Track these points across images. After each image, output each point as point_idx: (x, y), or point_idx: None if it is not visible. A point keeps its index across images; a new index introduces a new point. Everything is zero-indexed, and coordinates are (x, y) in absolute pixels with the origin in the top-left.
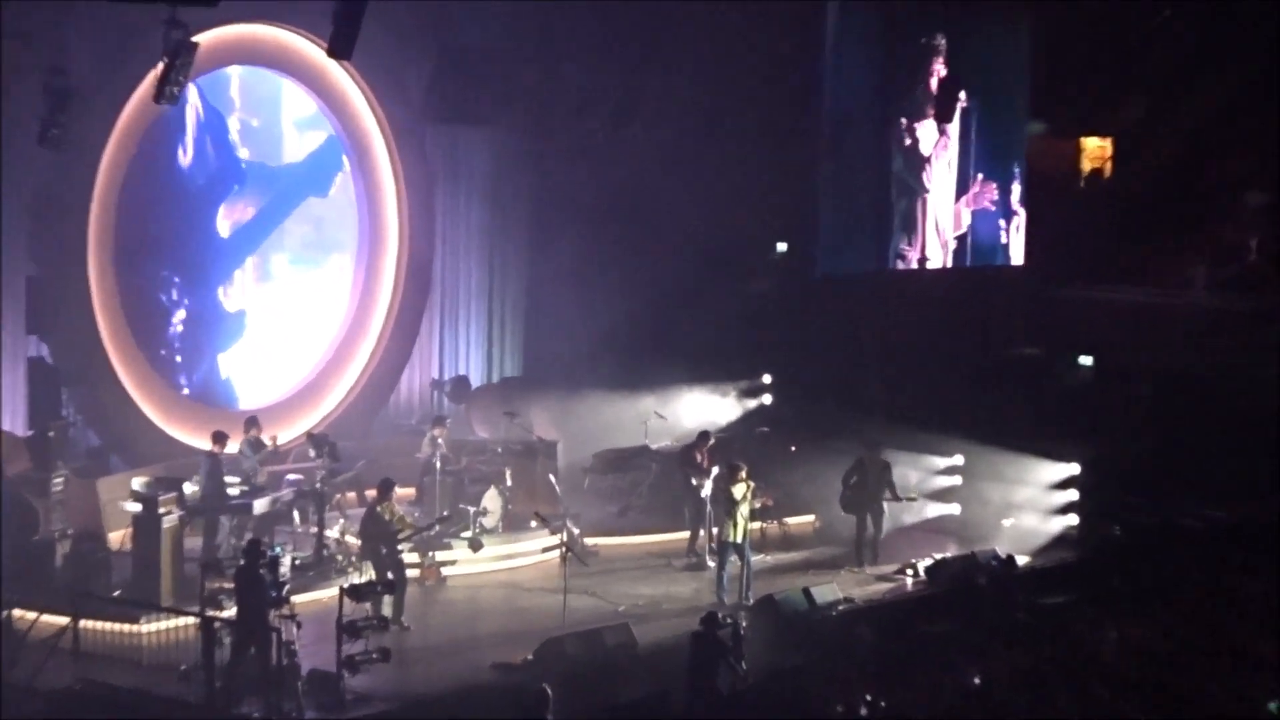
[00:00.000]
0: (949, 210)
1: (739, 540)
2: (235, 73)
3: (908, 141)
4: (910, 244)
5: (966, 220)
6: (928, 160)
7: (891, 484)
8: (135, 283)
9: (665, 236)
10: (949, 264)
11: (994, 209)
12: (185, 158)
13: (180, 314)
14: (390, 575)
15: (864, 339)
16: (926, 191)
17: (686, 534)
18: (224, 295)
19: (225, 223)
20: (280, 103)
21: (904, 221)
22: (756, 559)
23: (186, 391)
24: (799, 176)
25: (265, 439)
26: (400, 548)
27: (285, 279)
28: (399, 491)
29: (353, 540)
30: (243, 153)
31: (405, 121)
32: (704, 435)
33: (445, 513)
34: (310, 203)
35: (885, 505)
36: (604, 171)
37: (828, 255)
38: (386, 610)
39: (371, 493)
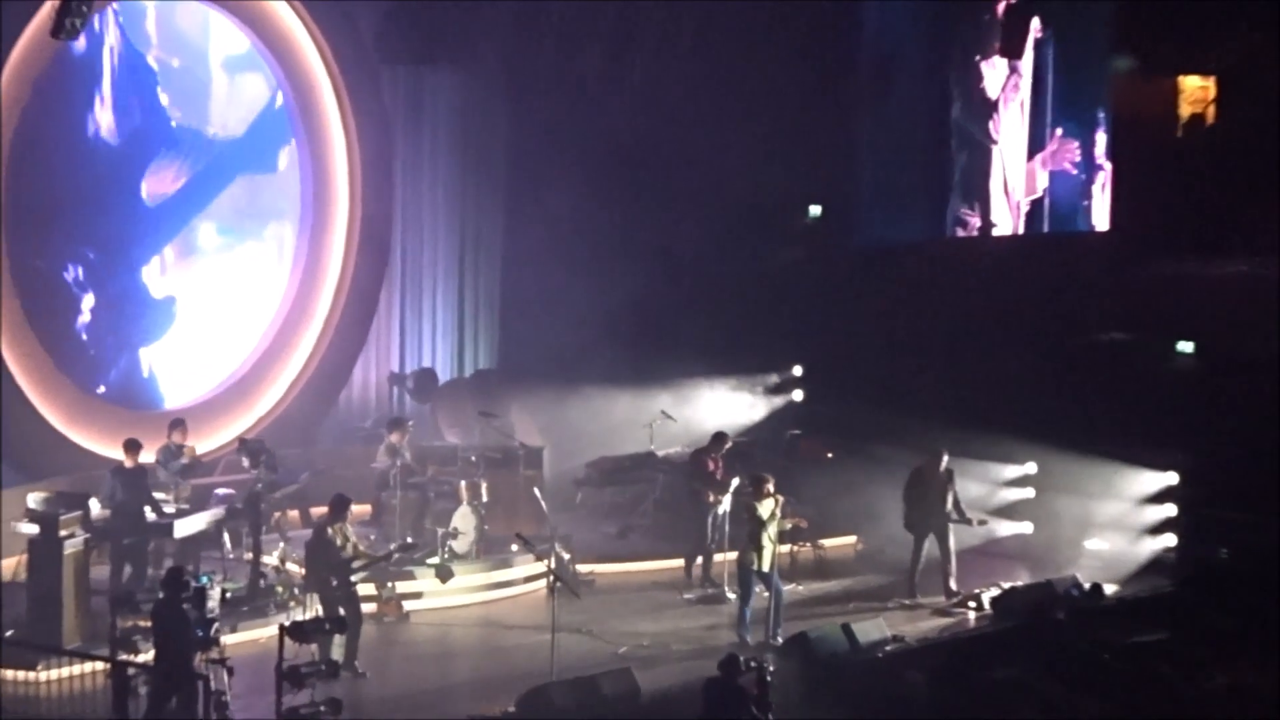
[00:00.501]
0: (1020, 166)
1: (765, 567)
2: (151, 4)
3: (970, 83)
4: (973, 207)
5: (1043, 181)
6: (995, 105)
7: (956, 499)
8: (32, 262)
9: (673, 199)
10: (1020, 230)
11: (1075, 171)
12: (102, 110)
13: (90, 299)
14: (341, 611)
15: (916, 322)
16: (994, 143)
17: (697, 559)
18: (148, 278)
19: (149, 192)
20: (208, 39)
21: (965, 180)
22: (786, 589)
23: (102, 390)
24: (835, 125)
25: (184, 446)
26: (354, 578)
27: (213, 252)
28: (352, 509)
29: (295, 568)
30: (163, 98)
31: (356, 61)
32: (719, 438)
33: (408, 538)
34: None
35: (950, 528)
36: (598, 121)
37: (871, 221)
38: (337, 653)
39: (319, 511)
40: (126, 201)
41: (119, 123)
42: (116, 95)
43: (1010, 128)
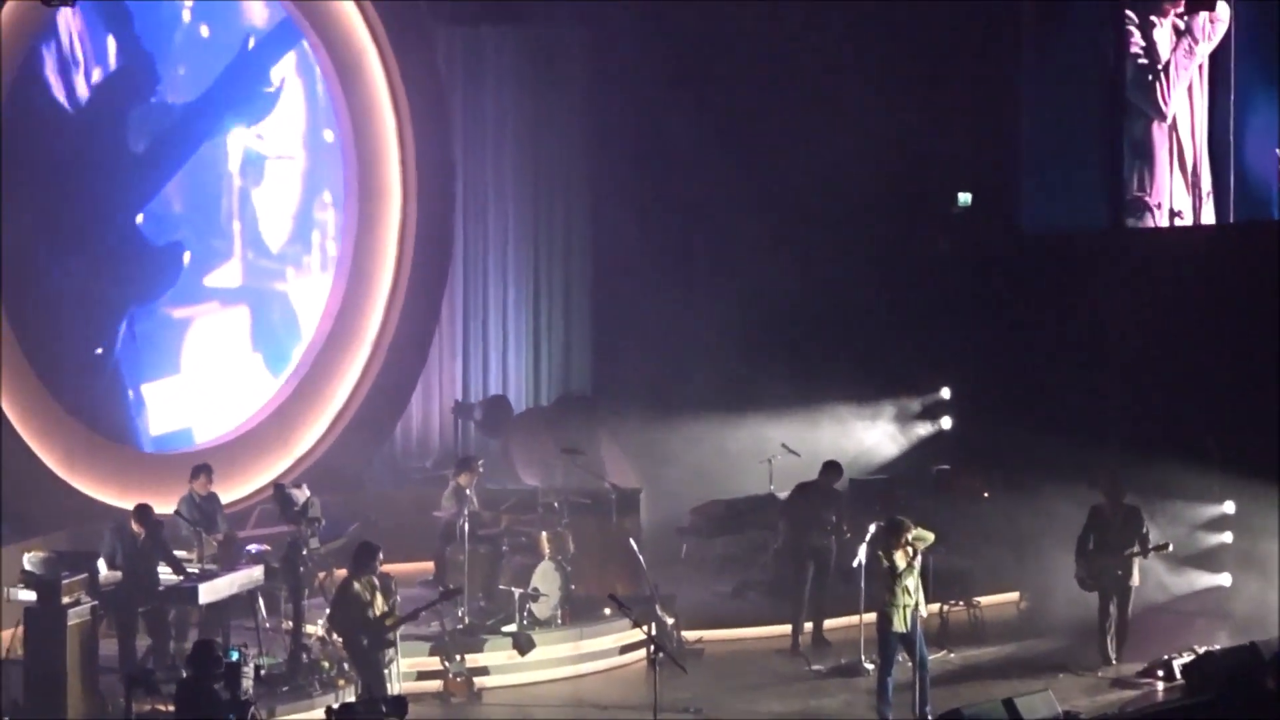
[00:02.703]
0: (1200, 145)
1: (906, 628)
2: None
3: (1137, 43)
4: (1145, 190)
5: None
6: (1164, 70)
7: (1144, 538)
8: (23, 269)
9: (794, 189)
10: (1203, 217)
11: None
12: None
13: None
14: (396, 688)
15: (1089, 333)
16: (1162, 116)
17: (834, 622)
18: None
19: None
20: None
21: (1134, 158)
22: (936, 656)
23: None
24: (989, 92)
25: (208, 495)
26: (388, 647)
27: (236, 261)
28: (410, 566)
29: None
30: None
31: (409, 22)
32: (830, 469)
33: (449, 585)
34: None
35: (1134, 571)
36: (702, 94)
37: (1033, 211)
38: None
39: None
40: (113, 153)
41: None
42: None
43: (1183, 99)
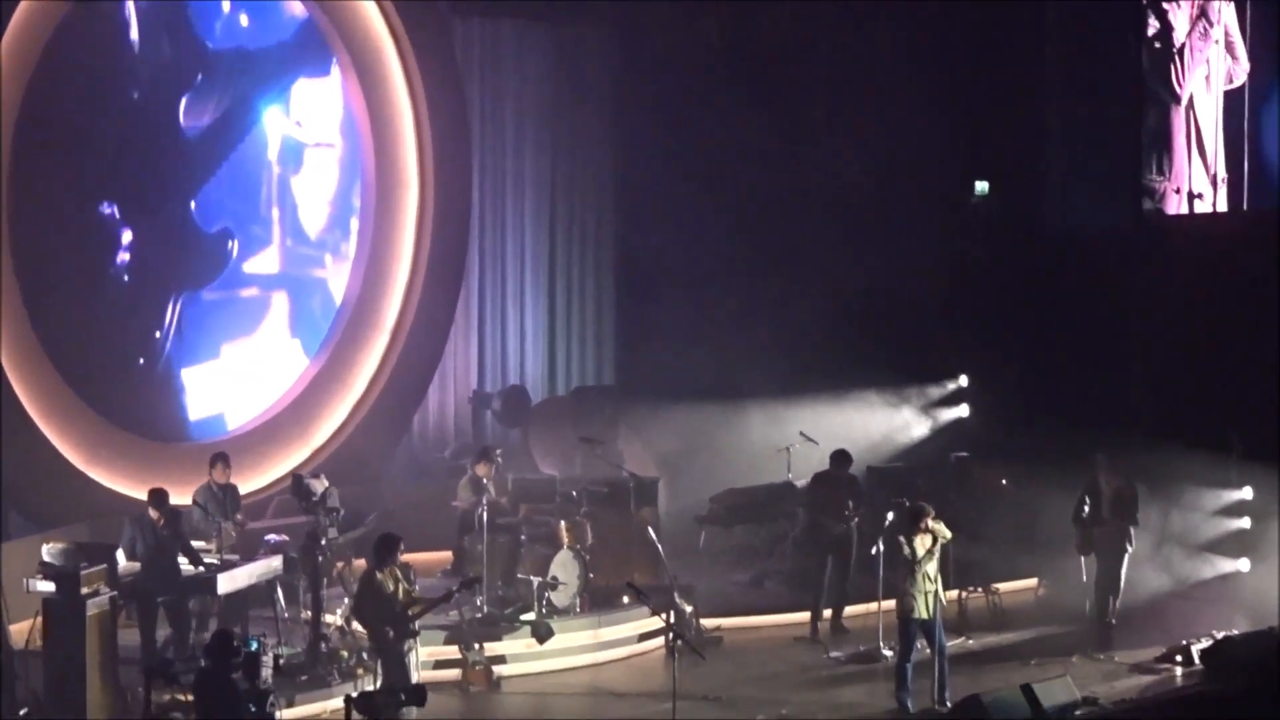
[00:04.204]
0: (1216, 130)
1: (926, 615)
2: None
3: (1152, 25)
4: (1165, 173)
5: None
6: (1179, 53)
7: (1134, 517)
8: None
9: (817, 179)
10: (1220, 204)
11: None
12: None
13: (128, 236)
14: (416, 676)
15: (1108, 321)
16: (1176, 100)
17: (853, 609)
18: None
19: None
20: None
21: (1152, 144)
22: (955, 643)
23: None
24: (1012, 90)
25: (226, 485)
26: (412, 636)
27: (253, 250)
28: (429, 556)
29: (363, 629)
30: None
31: (427, 13)
32: (840, 458)
33: (469, 573)
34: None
35: (1128, 547)
36: (729, 81)
37: (1052, 198)
38: None
39: None
40: (163, 136)
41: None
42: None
43: (1199, 83)
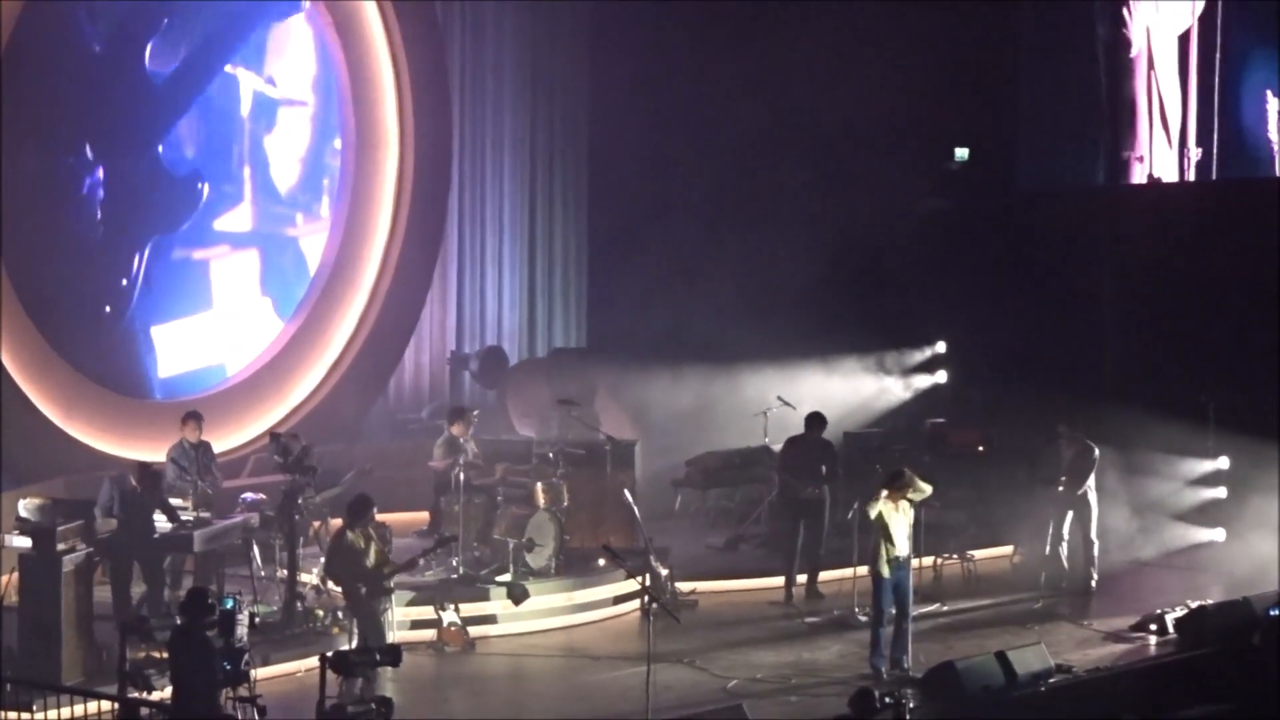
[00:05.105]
0: (1176, 91)
1: (887, 574)
2: None
3: None
4: (1125, 142)
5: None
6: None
7: (1083, 478)
8: (25, 212)
9: (792, 141)
10: (1185, 173)
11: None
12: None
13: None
14: (392, 636)
15: (1084, 288)
16: (1129, 57)
17: (831, 574)
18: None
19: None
20: None
21: (1111, 107)
22: (929, 610)
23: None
24: (985, 53)
25: (200, 444)
26: (385, 595)
27: (227, 211)
28: (405, 516)
29: (338, 588)
30: None
31: None
32: (814, 420)
33: (445, 532)
34: (265, 89)
35: (1091, 511)
36: (706, 39)
37: (1029, 164)
38: (390, 689)
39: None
40: (129, 80)
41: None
42: None
43: (1162, 42)
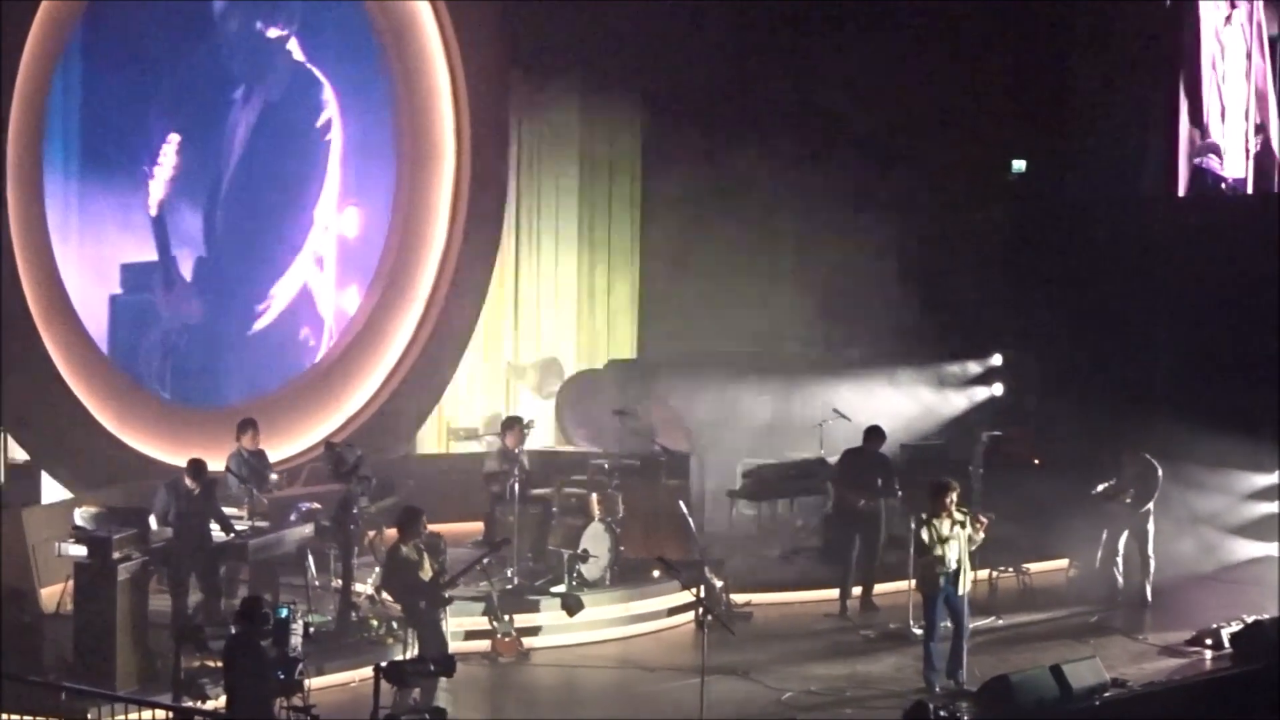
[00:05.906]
0: (1242, 91)
1: (938, 589)
2: None
3: None
4: (1206, 145)
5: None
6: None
7: (1146, 498)
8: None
9: (850, 153)
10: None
11: None
12: None
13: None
14: (448, 647)
15: (1145, 300)
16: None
17: (887, 586)
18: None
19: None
20: None
21: (1170, 117)
22: (984, 623)
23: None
24: (1042, 63)
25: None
26: (444, 605)
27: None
28: (459, 527)
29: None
30: None
31: None
32: (873, 434)
33: (501, 537)
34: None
35: (1149, 527)
36: (764, 54)
37: (1089, 172)
38: (443, 699)
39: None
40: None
41: None
42: None
43: (1233, 38)
